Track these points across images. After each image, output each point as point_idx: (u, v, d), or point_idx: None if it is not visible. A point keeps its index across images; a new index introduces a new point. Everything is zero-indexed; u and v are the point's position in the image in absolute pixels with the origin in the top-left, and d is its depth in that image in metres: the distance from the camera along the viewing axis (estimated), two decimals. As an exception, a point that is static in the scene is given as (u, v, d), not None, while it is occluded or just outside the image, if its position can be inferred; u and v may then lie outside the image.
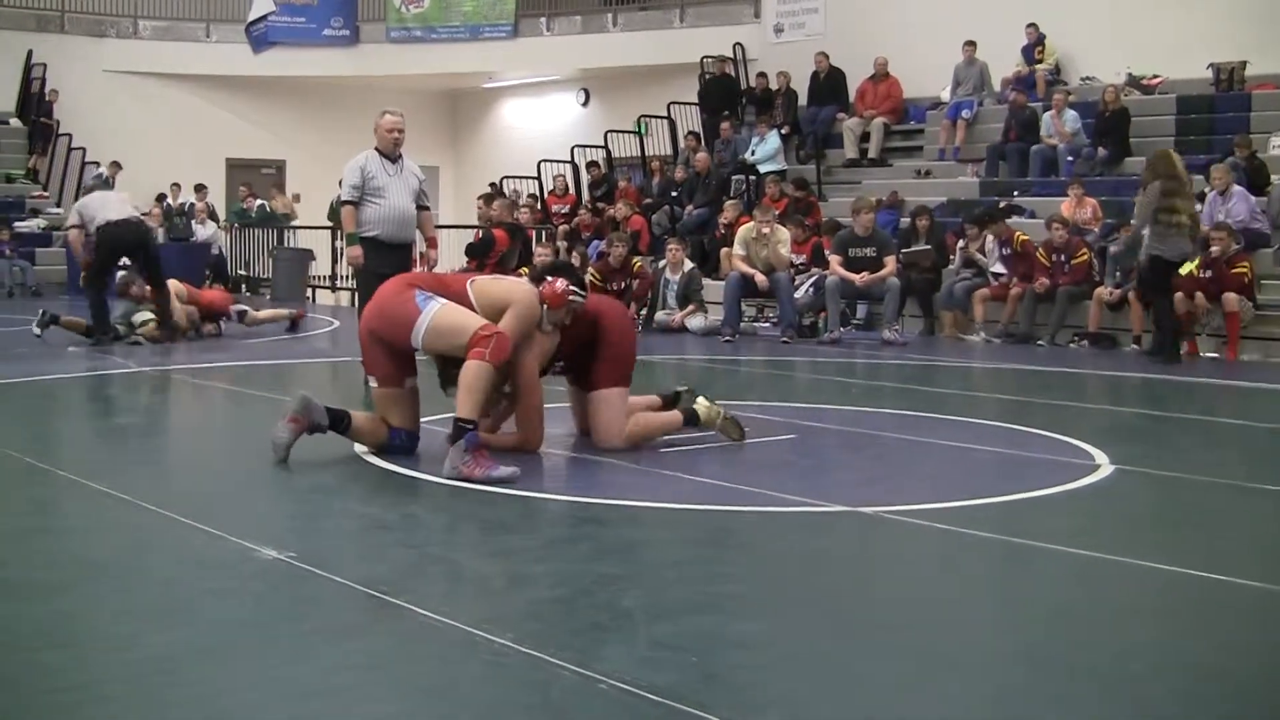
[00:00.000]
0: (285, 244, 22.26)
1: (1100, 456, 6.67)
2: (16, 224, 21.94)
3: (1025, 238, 14.29)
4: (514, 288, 6.51)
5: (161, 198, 23.24)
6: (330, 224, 20.13)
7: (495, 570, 4.49)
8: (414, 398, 6.56)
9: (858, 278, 13.79)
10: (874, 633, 3.85)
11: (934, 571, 4.68)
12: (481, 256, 14.15)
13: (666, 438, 6.96)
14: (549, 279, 6.49)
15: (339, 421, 6.35)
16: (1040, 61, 18.65)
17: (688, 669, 3.43)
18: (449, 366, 6.33)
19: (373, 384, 6.59)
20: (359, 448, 6.50)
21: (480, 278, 6.71)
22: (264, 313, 14.78)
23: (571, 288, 6.49)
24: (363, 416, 6.55)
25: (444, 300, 6.24)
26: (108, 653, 3.56)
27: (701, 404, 7.07)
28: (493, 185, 23.08)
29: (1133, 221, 12.76)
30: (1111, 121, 16.53)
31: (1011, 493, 5.79)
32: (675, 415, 7.02)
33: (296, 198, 26.81)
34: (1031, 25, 18.59)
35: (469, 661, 3.50)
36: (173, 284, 13.11)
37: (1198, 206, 14.03)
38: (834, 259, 14.04)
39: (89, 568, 4.46)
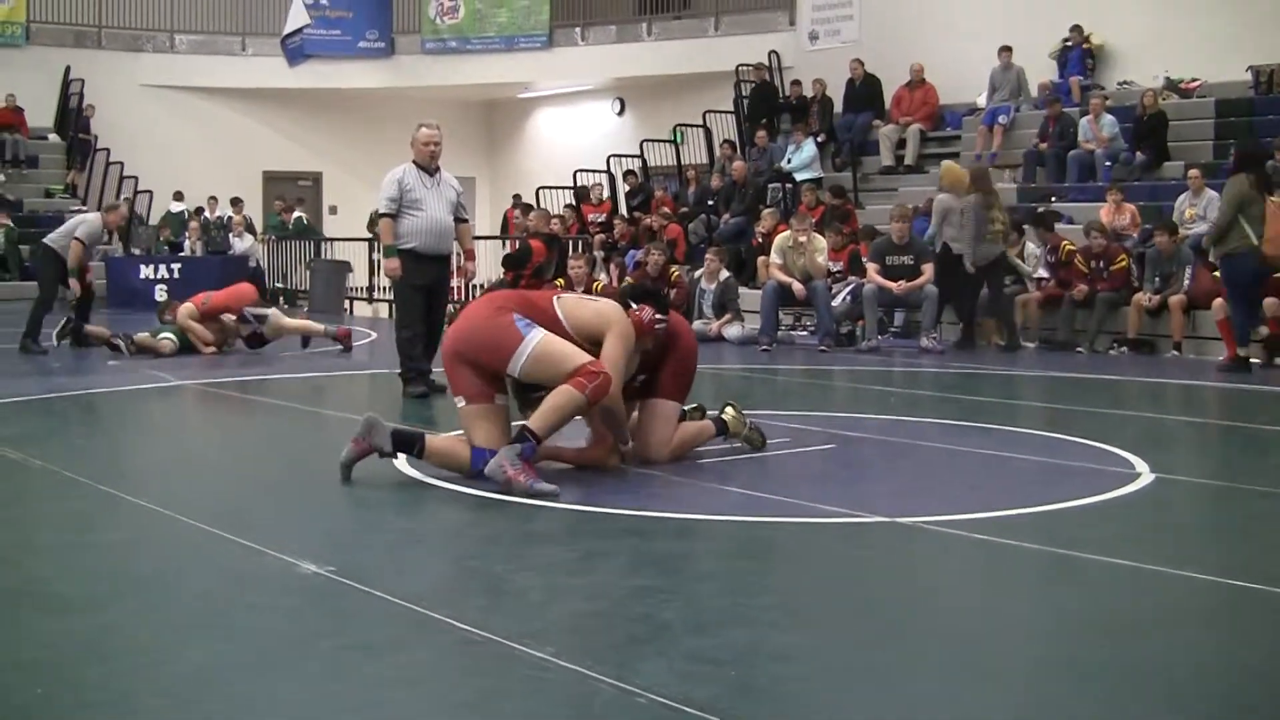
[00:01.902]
0: (323, 256, 22.34)
1: (1141, 465, 6.61)
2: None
3: (1071, 246, 14.13)
4: (606, 310, 6.31)
5: (199, 211, 23.42)
6: (368, 236, 20.21)
7: (534, 583, 4.48)
8: (505, 414, 6.25)
9: (895, 285, 13.78)
10: (915, 644, 3.83)
11: (974, 582, 4.66)
12: (518, 268, 14.15)
13: (700, 449, 6.95)
14: (636, 307, 6.37)
15: (411, 444, 6.12)
16: (1091, 57, 18.52)
17: (727, 682, 3.42)
18: (526, 390, 6.20)
19: (460, 403, 6.21)
20: (403, 464, 6.40)
21: (566, 295, 6.52)
22: (292, 321, 13.54)
23: (657, 316, 6.40)
24: (440, 438, 6.33)
25: (544, 329, 6.04)
26: (147, 667, 3.58)
27: (729, 413, 7.07)
28: (517, 197, 23.19)
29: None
30: (1150, 126, 16.40)
31: (1052, 502, 5.74)
32: (708, 424, 7.02)
33: (333, 209, 26.97)
34: (1076, 27, 18.48)
35: (508, 675, 3.49)
36: (185, 307, 12.88)
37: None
38: (871, 267, 14.03)
39: (128, 582, 4.48)
